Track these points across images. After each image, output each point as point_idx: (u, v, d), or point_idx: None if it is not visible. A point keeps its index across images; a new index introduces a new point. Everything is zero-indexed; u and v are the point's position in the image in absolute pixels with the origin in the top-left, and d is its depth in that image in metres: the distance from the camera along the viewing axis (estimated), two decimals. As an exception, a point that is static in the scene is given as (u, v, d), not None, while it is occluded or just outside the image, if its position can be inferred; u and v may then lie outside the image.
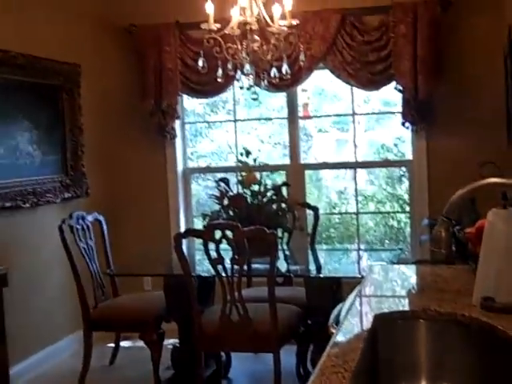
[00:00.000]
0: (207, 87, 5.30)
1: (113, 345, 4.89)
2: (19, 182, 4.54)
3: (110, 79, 5.59)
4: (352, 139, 5.79)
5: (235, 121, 5.79)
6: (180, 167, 5.75)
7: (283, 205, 4.46)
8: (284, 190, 4.56)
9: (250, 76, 4.24)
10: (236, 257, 3.72)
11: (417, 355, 1.82)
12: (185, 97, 5.64)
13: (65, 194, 5.01)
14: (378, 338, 1.78)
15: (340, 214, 6.36)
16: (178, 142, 5.71)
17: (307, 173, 5.76)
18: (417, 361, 1.82)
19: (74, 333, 4.98)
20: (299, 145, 5.62)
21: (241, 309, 3.81)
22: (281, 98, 5.74)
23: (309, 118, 6.02)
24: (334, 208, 6.53)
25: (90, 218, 4.64)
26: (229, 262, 3.75)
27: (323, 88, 6.73)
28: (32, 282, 4.70)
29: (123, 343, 5.00)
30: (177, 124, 5.61)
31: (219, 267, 3.77)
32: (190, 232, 3.98)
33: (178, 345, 4.41)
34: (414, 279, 2.44)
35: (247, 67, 4.18)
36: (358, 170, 5.82)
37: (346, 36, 5.12)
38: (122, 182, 5.68)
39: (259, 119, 6.18)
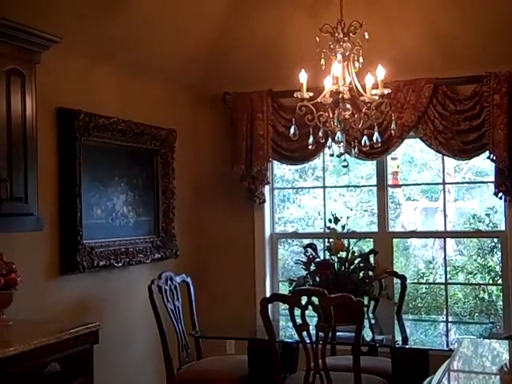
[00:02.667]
0: (297, 154, 5.38)
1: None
2: (113, 242, 4.69)
3: (203, 144, 5.77)
4: (441, 208, 5.69)
5: (324, 187, 5.82)
6: (268, 232, 5.80)
7: (370, 273, 4.42)
8: (371, 258, 4.51)
9: (341, 144, 4.28)
10: (321, 324, 3.70)
11: None
12: (274, 162, 5.73)
13: (155, 255, 5.13)
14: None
15: (428, 283, 6.22)
16: (267, 206, 5.78)
17: (395, 241, 5.69)
18: None
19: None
20: (388, 213, 5.58)
21: (324, 377, 3.76)
22: (369, 165, 5.76)
23: (398, 186, 6.00)
24: (422, 277, 6.41)
25: (178, 279, 4.72)
26: (313, 328, 3.73)
27: (413, 156, 6.71)
28: (120, 340, 4.79)
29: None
30: (266, 189, 5.69)
31: (304, 334, 3.76)
32: (276, 297, 3.98)
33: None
34: (505, 356, 2.36)
35: (338, 135, 4.23)
36: (448, 239, 5.70)
37: (438, 105, 5.11)
38: (211, 244, 5.78)
39: (348, 186, 6.19)
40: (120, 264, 4.71)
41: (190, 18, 4.79)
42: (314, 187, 6.06)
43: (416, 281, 6.23)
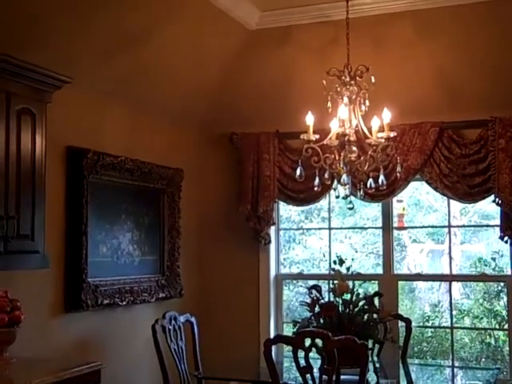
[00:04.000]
0: (303, 195, 5.40)
1: None
2: (118, 281, 4.70)
3: (210, 183, 5.81)
4: (447, 251, 5.68)
5: (329, 229, 5.83)
6: (273, 273, 5.79)
7: (375, 315, 4.40)
8: (376, 300, 4.49)
9: (347, 186, 4.30)
10: (325, 366, 3.67)
11: None
12: (280, 203, 5.75)
13: (159, 294, 5.13)
14: None
15: (433, 327, 6.18)
16: (272, 247, 5.78)
17: (400, 283, 5.67)
18: None
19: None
20: (393, 255, 5.56)
21: (329, 422, 3.71)
22: (375, 207, 5.77)
23: (404, 228, 6.00)
24: (428, 321, 6.37)
25: (182, 318, 4.70)
26: (317, 371, 3.70)
27: (419, 199, 6.73)
28: (123, 379, 4.75)
29: None
30: (271, 230, 5.70)
31: (307, 376, 3.72)
32: (280, 338, 3.97)
33: None
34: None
35: (344, 177, 4.25)
36: (454, 282, 5.68)
37: (443, 148, 5.14)
38: (215, 284, 5.77)
39: (353, 228, 6.20)
40: (124, 303, 4.70)
41: (199, 58, 4.86)
42: (319, 228, 6.07)
43: (422, 324, 6.18)
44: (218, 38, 4.76)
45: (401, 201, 5.85)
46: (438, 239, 6.85)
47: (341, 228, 5.95)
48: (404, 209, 5.97)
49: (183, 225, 5.46)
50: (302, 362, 3.69)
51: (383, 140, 4.18)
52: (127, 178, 4.79)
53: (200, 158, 5.77)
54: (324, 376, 3.67)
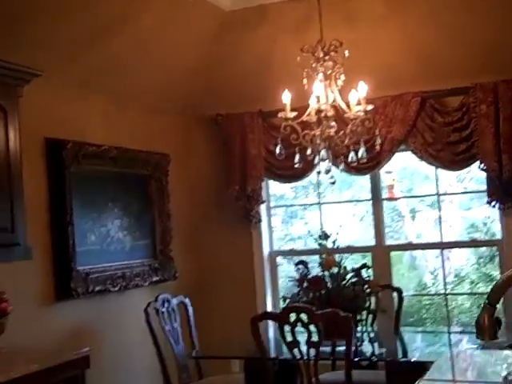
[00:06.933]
0: (289, 172, 5.42)
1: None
2: (109, 267, 4.75)
3: (197, 166, 5.84)
4: (444, 218, 5.70)
5: (319, 204, 5.86)
6: (266, 250, 5.85)
7: (363, 287, 4.45)
8: (364, 272, 4.53)
9: (326, 161, 4.33)
10: (311, 340, 3.74)
11: None
12: (275, 182, 5.77)
13: (153, 278, 5.19)
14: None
15: (428, 295, 6.21)
16: (264, 225, 5.83)
17: (399, 253, 5.70)
18: None
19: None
20: (384, 226, 5.59)
21: (317, 393, 3.79)
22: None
23: (394, 199, 6.02)
24: (424, 289, 6.41)
25: (175, 300, 4.78)
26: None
27: (415, 167, 6.73)
28: (118, 364, 4.83)
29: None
30: (262, 208, 5.74)
31: (295, 351, 3.80)
32: (266, 315, 4.03)
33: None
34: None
35: (323, 153, 4.29)
36: (454, 249, 5.71)
37: (426, 118, 5.15)
38: (209, 264, 5.83)
39: (342, 202, 6.24)
40: (116, 288, 4.77)
41: (178, 43, 4.86)
42: (310, 204, 6.09)
43: (422, 292, 6.23)
44: (194, 22, 4.76)
45: (390, 172, 5.85)
46: (435, 207, 6.86)
47: (330, 202, 5.95)
48: (394, 180, 5.98)
49: (174, 208, 5.51)
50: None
51: (361, 113, 4.22)
52: (111, 165, 4.82)
53: (186, 142, 5.79)
54: (311, 349, 3.76)
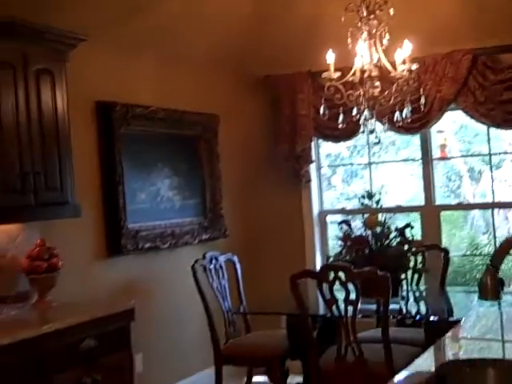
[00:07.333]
0: (337, 132, 5.43)
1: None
2: (159, 225, 4.92)
3: (246, 127, 5.89)
4: (504, 178, 5.63)
5: (369, 164, 5.86)
6: (316, 210, 5.90)
7: (407, 246, 4.49)
8: (408, 232, 4.55)
9: (370, 121, 4.34)
10: (349, 298, 3.81)
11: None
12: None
13: (203, 236, 5.32)
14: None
15: (473, 255, 6.18)
16: (314, 185, 5.88)
17: (454, 213, 5.66)
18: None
19: (207, 368, 5.18)
20: (434, 186, 5.56)
21: (356, 350, 3.88)
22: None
23: (446, 159, 5.96)
24: (477, 249, 6.37)
25: (222, 258, 4.90)
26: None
27: (472, 126, 6.63)
28: (166, 318, 4.99)
29: (256, 378, 5.11)
30: (312, 168, 5.78)
31: (334, 308, 3.88)
32: (305, 273, 4.12)
33: (301, 382, 4.52)
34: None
35: (366, 113, 4.30)
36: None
37: (478, 76, 5.06)
38: (259, 223, 5.92)
39: (388, 162, 6.24)
40: (166, 246, 4.93)
41: (228, 2, 4.90)
42: (360, 164, 6.10)
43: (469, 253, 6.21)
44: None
45: (441, 131, 5.78)
46: (495, 166, 6.76)
47: (380, 162, 5.94)
48: (445, 139, 5.90)
49: (224, 168, 5.60)
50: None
51: (405, 72, 4.19)
52: (161, 126, 4.94)
53: (235, 103, 5.82)
54: (349, 307, 3.84)
